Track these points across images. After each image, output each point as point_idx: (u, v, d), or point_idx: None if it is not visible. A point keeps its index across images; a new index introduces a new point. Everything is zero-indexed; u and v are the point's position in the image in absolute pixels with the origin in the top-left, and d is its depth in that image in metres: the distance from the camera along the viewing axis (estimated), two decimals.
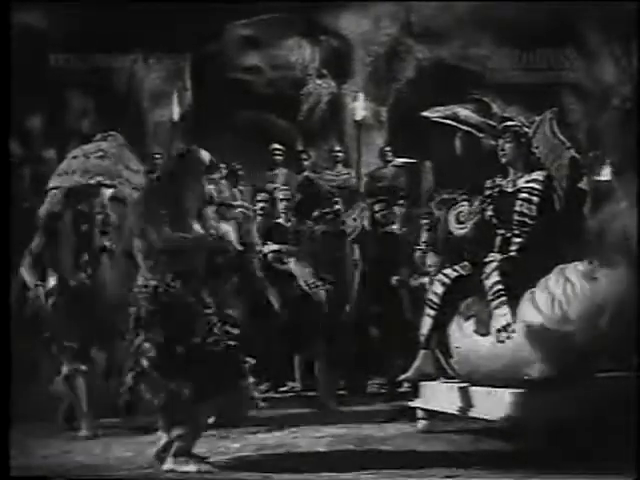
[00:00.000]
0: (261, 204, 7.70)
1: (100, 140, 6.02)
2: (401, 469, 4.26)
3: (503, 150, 5.27)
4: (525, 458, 4.34)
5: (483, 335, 4.94)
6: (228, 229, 4.55)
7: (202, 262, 4.26)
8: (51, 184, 5.90)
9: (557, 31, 9.74)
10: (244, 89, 10.41)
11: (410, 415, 5.48)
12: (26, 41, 8.52)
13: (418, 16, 10.63)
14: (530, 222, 5.09)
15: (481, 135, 5.56)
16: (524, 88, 9.26)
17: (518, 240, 5.12)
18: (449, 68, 10.45)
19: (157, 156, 8.62)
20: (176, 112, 9.12)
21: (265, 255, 7.14)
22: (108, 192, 5.79)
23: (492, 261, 5.06)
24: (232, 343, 4.20)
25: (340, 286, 7.01)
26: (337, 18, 10.67)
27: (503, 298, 4.86)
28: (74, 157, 5.94)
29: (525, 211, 5.11)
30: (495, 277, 4.93)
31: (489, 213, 5.26)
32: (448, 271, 5.30)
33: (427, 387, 5.39)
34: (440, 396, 5.27)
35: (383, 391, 7.17)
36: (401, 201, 8.33)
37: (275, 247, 7.29)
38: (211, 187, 4.43)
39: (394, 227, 7.56)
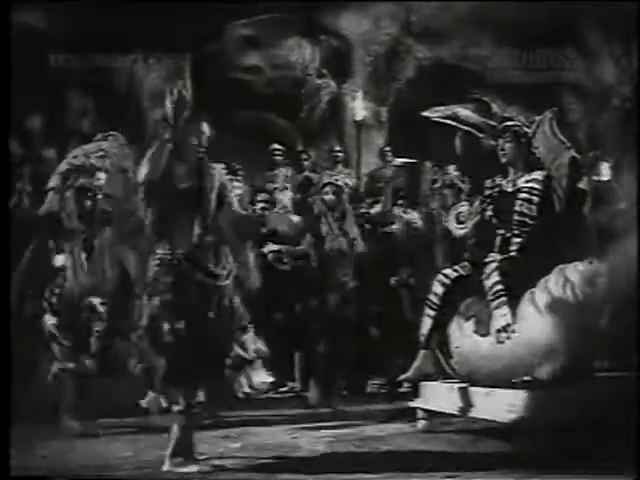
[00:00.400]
0: (261, 204, 7.70)
1: (101, 140, 6.03)
2: (401, 469, 4.26)
3: (503, 150, 5.27)
4: (525, 458, 4.34)
5: (483, 335, 4.94)
6: None
7: None
8: (51, 184, 5.91)
9: (557, 31, 9.73)
10: (244, 89, 10.39)
11: (410, 415, 5.47)
12: (26, 41, 8.50)
13: (418, 16, 10.64)
14: (530, 222, 5.09)
15: (481, 135, 5.56)
16: (524, 88, 9.24)
17: (518, 240, 5.11)
18: (449, 68, 10.45)
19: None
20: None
21: (265, 255, 7.14)
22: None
23: (492, 261, 5.06)
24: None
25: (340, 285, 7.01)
26: (337, 18, 10.68)
27: (503, 298, 4.86)
28: (74, 157, 5.95)
29: (525, 211, 5.10)
30: (495, 277, 4.93)
31: (489, 213, 5.26)
32: (448, 271, 5.30)
33: (427, 387, 5.39)
34: (440, 396, 5.27)
35: (383, 391, 7.17)
36: (401, 201, 8.31)
37: (275, 247, 7.29)
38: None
39: (394, 227, 7.55)
